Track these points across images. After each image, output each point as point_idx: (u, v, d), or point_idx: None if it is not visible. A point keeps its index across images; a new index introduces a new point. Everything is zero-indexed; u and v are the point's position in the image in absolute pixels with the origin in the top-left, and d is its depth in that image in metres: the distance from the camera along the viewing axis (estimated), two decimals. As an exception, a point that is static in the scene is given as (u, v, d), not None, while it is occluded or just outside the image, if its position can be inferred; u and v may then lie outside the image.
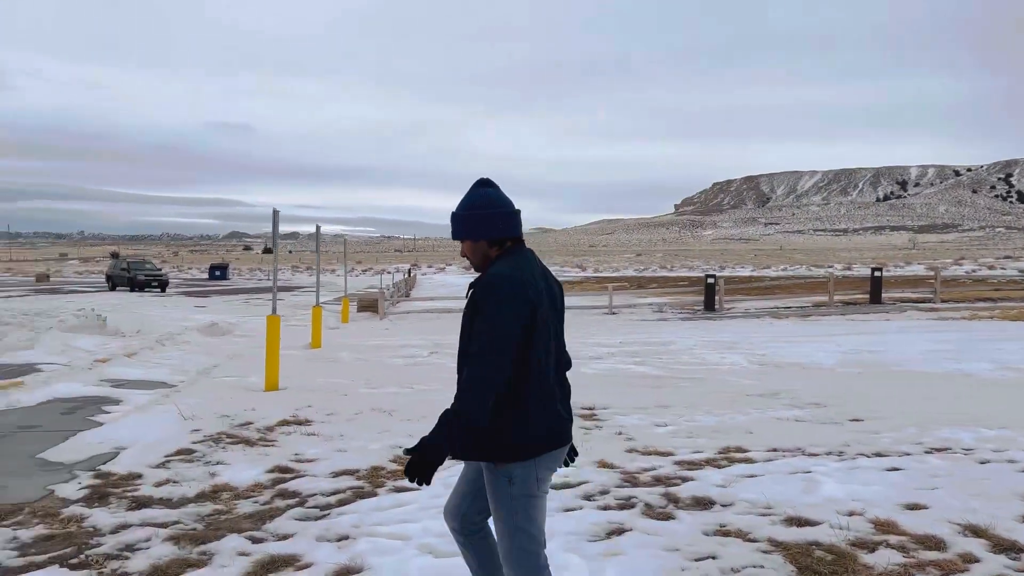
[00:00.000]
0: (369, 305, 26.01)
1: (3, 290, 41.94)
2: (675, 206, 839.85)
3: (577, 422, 7.66)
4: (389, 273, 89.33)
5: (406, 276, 68.12)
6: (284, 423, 7.63)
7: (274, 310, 10.20)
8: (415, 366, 12.08)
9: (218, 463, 6.14)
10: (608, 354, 13.75)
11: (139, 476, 5.76)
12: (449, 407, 2.59)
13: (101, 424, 7.84)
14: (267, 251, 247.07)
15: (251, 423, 7.63)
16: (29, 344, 15.24)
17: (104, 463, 6.20)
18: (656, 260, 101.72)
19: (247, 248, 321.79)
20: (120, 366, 12.37)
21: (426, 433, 2.61)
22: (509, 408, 2.67)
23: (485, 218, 2.79)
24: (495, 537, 2.87)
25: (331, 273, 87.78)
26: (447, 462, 2.97)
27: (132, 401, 9.25)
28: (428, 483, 2.61)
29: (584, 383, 10.32)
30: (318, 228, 14.52)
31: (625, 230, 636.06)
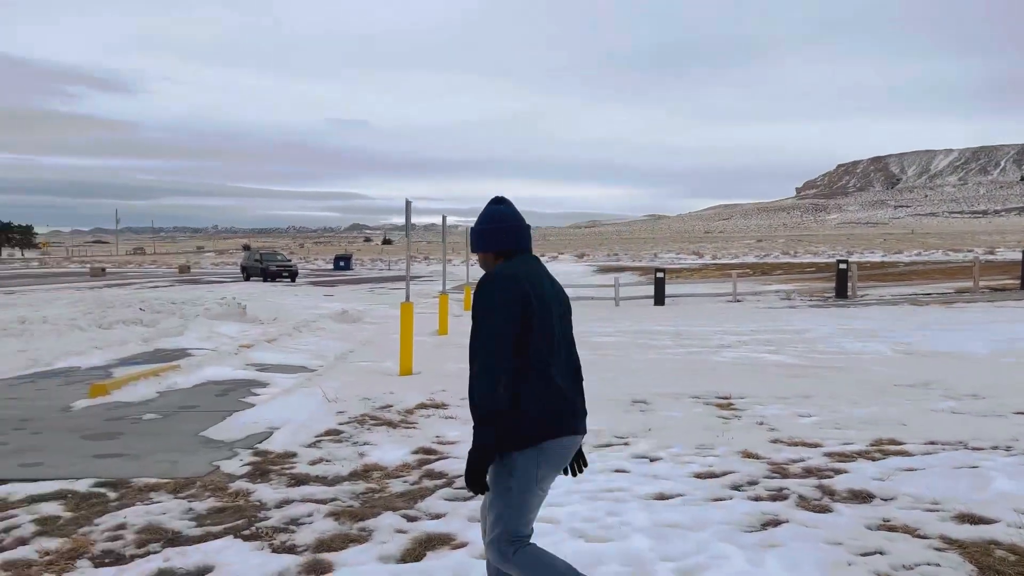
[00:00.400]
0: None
1: (151, 280, 45.11)
2: (796, 189, 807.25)
3: (713, 411, 7.51)
4: (464, 264, 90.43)
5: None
6: (422, 406, 7.83)
7: (407, 298, 10.48)
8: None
9: (365, 443, 6.36)
10: (739, 342, 13.37)
11: (294, 455, 6.04)
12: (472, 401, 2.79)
13: (253, 405, 8.28)
14: (386, 242, 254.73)
15: (391, 406, 7.87)
16: (180, 331, 16.33)
17: (260, 442, 6.54)
18: (778, 246, 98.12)
19: (367, 240, 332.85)
20: (262, 351, 13.04)
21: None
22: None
23: (493, 232, 3.00)
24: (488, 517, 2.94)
25: (450, 263, 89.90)
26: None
27: (278, 384, 9.73)
28: (484, 490, 2.76)
29: (717, 372, 10.08)
30: (444, 219, 14.81)
31: (743, 215, 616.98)
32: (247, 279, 46.65)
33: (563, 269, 62.92)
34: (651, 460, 5.78)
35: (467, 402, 2.86)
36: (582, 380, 3.06)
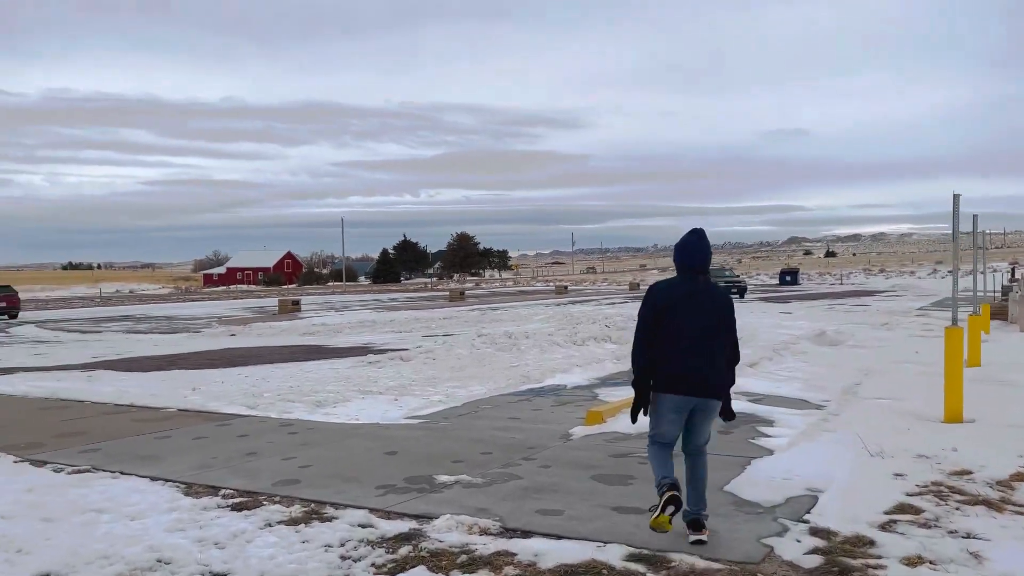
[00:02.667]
0: (997, 312, 21.57)
1: (606, 297, 47.47)
2: None
3: None
4: (982, 274, 77.16)
5: (1012, 276, 57.32)
6: (1018, 477, 5.58)
7: (955, 320, 8.14)
8: None
9: (968, 535, 4.46)
10: None
11: (869, 542, 4.41)
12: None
13: (770, 452, 6.87)
14: (829, 254, 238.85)
15: (970, 472, 5.78)
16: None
17: (808, 511, 5.06)
18: None
19: (807, 252, 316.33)
20: (747, 377, 11.65)
21: None
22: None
23: (675, 252, 4.90)
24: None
25: (910, 275, 79.60)
26: None
27: (785, 422, 8.21)
28: (634, 421, 4.85)
29: None
30: (975, 218, 11.88)
31: None
32: (696, 295, 46.43)
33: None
34: None
35: None
36: (717, 359, 4.74)
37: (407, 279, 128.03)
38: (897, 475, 5.75)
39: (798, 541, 4.47)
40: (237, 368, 15.29)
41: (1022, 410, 8.09)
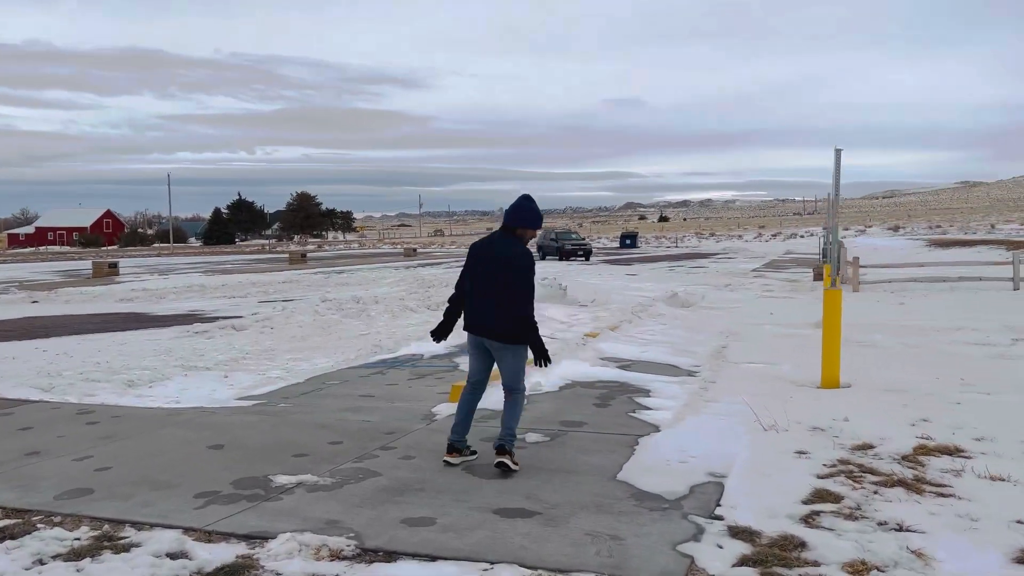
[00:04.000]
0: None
1: (458, 260, 46.60)
2: None
3: None
4: (802, 238, 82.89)
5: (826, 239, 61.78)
6: (923, 450, 5.20)
7: (835, 282, 7.84)
8: (1001, 359, 8.80)
9: (901, 527, 3.91)
10: None
11: (800, 544, 3.76)
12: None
13: (656, 427, 6.21)
14: (663, 219, 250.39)
15: (871, 447, 5.34)
16: (507, 314, 15.16)
17: (717, 503, 4.38)
18: None
19: (642, 218, 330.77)
20: (611, 342, 11.16)
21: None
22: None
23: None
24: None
25: (738, 239, 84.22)
26: None
27: (661, 392, 7.64)
28: (436, 341, 5.71)
29: None
30: (838, 152, 11.81)
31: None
32: (543, 258, 46.44)
33: (883, 244, 55.38)
34: None
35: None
36: (494, 307, 5.21)
37: (243, 241, 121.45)
38: (800, 453, 5.23)
39: (720, 547, 3.75)
40: (35, 341, 13.12)
41: (893, 374, 7.96)
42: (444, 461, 5.37)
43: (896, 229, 77.03)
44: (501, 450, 5.18)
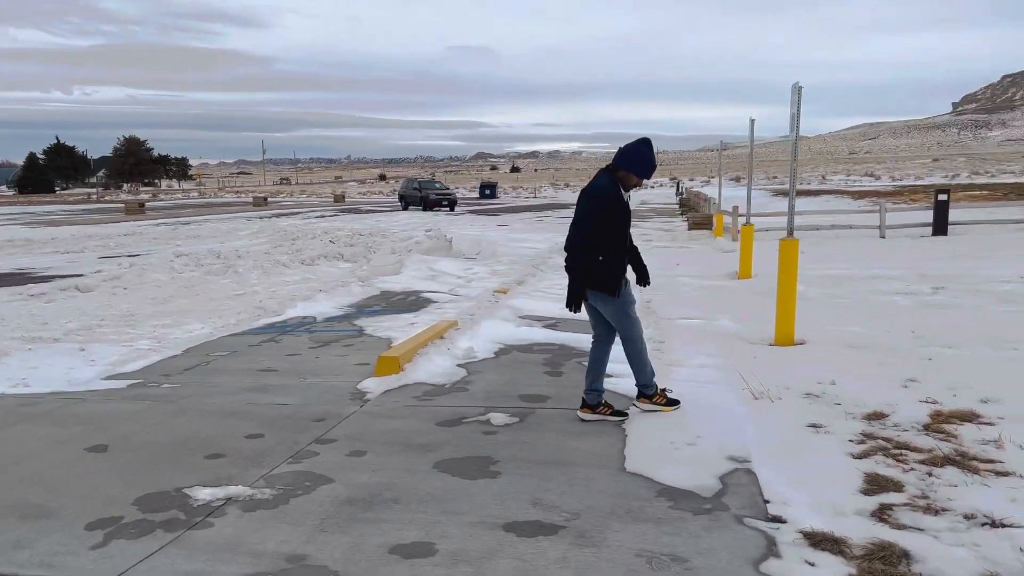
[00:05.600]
0: (702, 222, 22.88)
1: (312, 210, 44.12)
2: (953, 104, 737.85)
3: None
4: (652, 188, 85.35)
5: (679, 191, 63.80)
6: (940, 418, 4.74)
7: (790, 231, 7.33)
8: (932, 309, 8.72)
9: (994, 522, 3.35)
10: None
11: (903, 554, 3.10)
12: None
13: (635, 403, 5.46)
14: (514, 170, 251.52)
15: (883, 415, 4.83)
16: (397, 268, 14.01)
17: (764, 499, 3.67)
18: (961, 166, 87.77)
19: (493, 168, 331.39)
20: (523, 298, 10.36)
21: None
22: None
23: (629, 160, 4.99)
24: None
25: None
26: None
27: (613, 355, 6.89)
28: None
29: None
30: (752, 122, 11.50)
31: (891, 134, 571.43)
32: (405, 208, 44.88)
33: (728, 194, 57.71)
34: None
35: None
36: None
37: (64, 189, 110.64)
38: (815, 427, 4.64)
39: (812, 564, 3.03)
40: None
41: (840, 327, 7.63)
42: (578, 417, 5.08)
43: (738, 180, 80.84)
44: (640, 396, 5.17)
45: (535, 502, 3.73)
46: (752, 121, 11.45)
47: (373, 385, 6.14)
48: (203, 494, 3.93)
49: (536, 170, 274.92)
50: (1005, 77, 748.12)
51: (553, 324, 8.66)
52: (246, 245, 20.35)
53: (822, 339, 7.14)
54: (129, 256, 18.47)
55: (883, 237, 18.44)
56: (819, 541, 3.20)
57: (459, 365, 6.71)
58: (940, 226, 17.90)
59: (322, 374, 6.64)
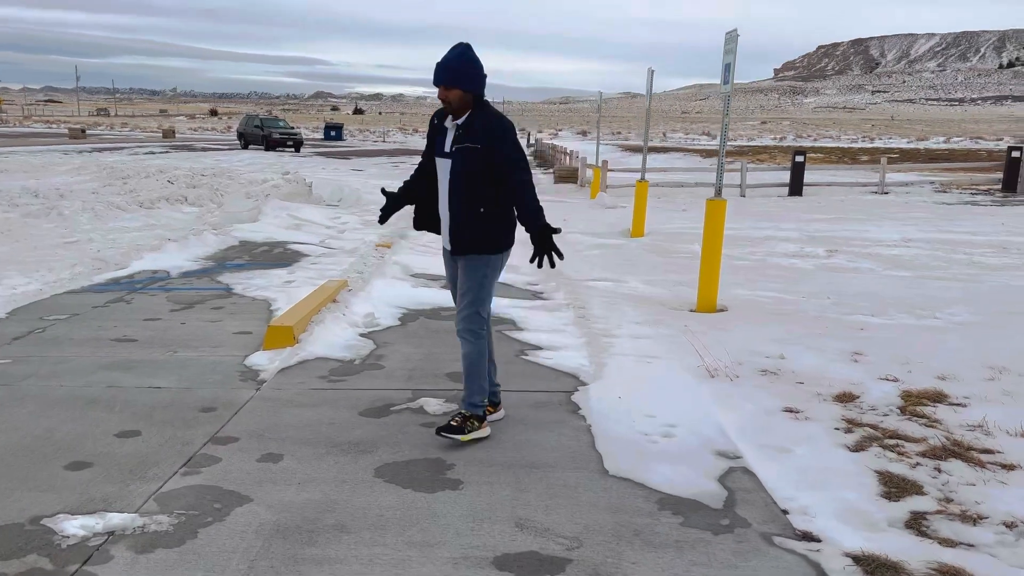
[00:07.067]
0: (568, 175, 22.61)
1: (142, 146, 40.13)
2: (775, 71, 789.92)
3: None
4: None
5: (529, 142, 63.72)
6: (912, 399, 4.46)
7: (719, 191, 6.90)
8: (834, 272, 8.69)
9: (1017, 527, 3.02)
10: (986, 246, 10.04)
11: (899, 568, 2.69)
12: (534, 205, 3.66)
13: (578, 378, 4.83)
14: (357, 111, 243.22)
15: (853, 396, 4.49)
16: (254, 215, 12.61)
17: (781, 509, 3.18)
18: (785, 129, 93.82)
19: (335, 108, 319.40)
20: (409, 253, 9.48)
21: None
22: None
23: (480, 76, 3.67)
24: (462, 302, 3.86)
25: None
26: None
27: (530, 322, 6.25)
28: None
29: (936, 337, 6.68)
30: (651, 71, 10.99)
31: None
32: (245, 147, 41.83)
33: (583, 148, 58.35)
34: None
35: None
36: None
37: None
38: (790, 412, 4.23)
39: (881, 600, 2.54)
40: None
41: (754, 292, 7.39)
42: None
43: (584, 134, 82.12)
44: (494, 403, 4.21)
45: (519, 523, 3.04)
46: (651, 71, 11.04)
47: (264, 361, 5.16)
48: (72, 527, 2.92)
49: (380, 113, 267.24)
50: (820, 47, 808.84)
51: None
52: (67, 182, 17.89)
53: (741, 305, 6.85)
54: (-81, 191, 15.65)
55: (743, 196, 18.92)
56: (874, 568, 2.73)
57: (362, 335, 5.82)
58: (796, 187, 18.59)
59: (196, 346, 5.55)
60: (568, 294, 7.22)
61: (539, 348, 5.54)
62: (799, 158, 18.64)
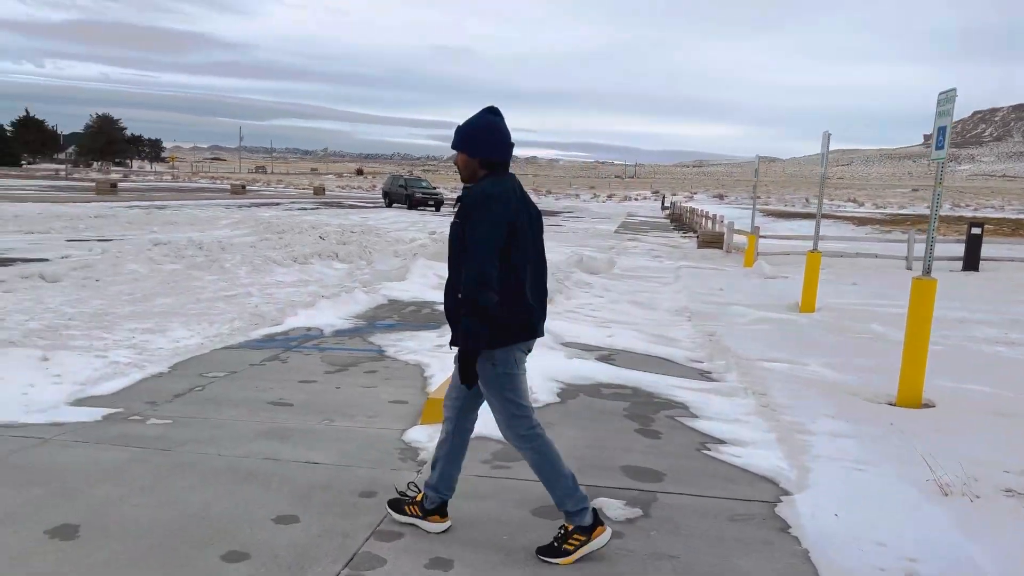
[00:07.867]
0: (712, 240, 21.76)
1: (293, 202, 42.42)
2: (924, 136, 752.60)
3: None
4: (635, 200, 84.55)
5: (664, 204, 63.01)
6: None
7: (927, 270, 6.10)
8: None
9: None
10: None
11: None
12: (466, 309, 3.02)
13: (777, 485, 4.16)
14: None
15: None
16: (402, 274, 12.63)
17: None
18: (945, 197, 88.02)
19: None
20: (559, 320, 9.01)
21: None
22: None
23: (490, 142, 3.26)
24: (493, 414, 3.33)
25: (575, 198, 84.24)
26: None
27: (704, 407, 5.61)
28: (473, 382, 3.12)
29: None
30: (827, 135, 10.30)
31: (863, 162, 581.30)
32: (389, 205, 43.31)
33: (717, 211, 56.94)
34: None
35: None
36: (546, 288, 3.37)
37: (31, 164, 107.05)
38: (1065, 552, 3.40)
39: None
40: None
41: (959, 385, 6.43)
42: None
43: (721, 197, 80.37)
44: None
45: None
46: (827, 135, 10.33)
47: (424, 438, 4.79)
48: (228, 639, 2.56)
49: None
50: (975, 113, 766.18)
51: (608, 357, 7.38)
52: (228, 236, 18.80)
53: (949, 400, 5.93)
54: (100, 240, 16.83)
55: (910, 268, 17.45)
56: None
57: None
58: (972, 261, 16.97)
59: (351, 414, 5.28)
60: (742, 376, 6.52)
61: (722, 442, 4.89)
62: (975, 230, 17.06)
